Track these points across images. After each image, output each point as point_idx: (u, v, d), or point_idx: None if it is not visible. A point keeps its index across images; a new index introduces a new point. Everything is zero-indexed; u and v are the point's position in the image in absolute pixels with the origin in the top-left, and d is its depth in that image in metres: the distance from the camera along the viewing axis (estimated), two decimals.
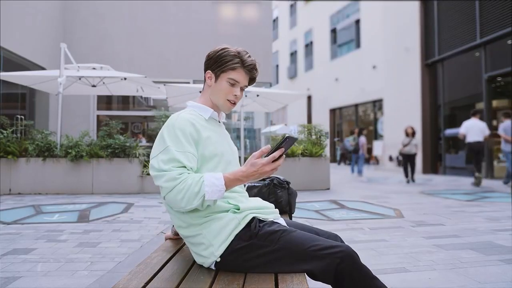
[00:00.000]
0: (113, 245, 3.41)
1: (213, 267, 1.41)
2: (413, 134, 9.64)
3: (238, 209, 1.44)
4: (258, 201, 1.61)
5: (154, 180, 1.39)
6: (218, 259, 1.38)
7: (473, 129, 8.61)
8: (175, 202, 1.32)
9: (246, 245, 1.38)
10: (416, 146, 9.71)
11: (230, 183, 1.36)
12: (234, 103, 1.56)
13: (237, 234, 1.39)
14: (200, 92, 1.65)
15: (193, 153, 1.40)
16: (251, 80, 1.57)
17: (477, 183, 8.53)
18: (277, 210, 1.62)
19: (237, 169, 1.39)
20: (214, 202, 1.36)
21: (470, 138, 8.62)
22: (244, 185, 1.90)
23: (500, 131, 8.58)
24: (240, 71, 1.51)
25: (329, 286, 1.40)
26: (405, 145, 9.62)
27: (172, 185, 1.31)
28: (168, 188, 1.31)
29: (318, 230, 1.61)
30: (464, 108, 12.32)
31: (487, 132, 8.70)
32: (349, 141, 13.80)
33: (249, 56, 1.53)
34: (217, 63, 1.51)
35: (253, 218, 1.44)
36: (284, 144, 1.36)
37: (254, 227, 1.40)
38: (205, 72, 1.57)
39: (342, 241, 1.55)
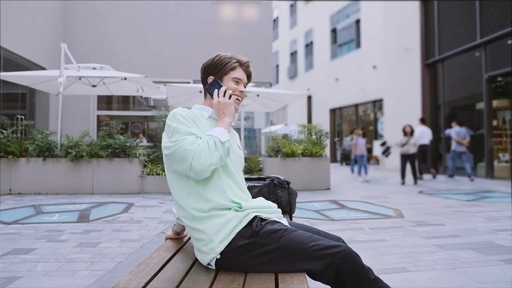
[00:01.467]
0: (113, 245, 3.41)
1: (213, 264, 1.42)
2: (411, 133, 9.33)
3: (241, 208, 1.45)
4: (261, 201, 1.62)
5: (172, 157, 1.41)
6: (218, 256, 1.39)
7: (423, 135, 10.43)
8: (206, 159, 1.37)
9: (247, 243, 1.39)
10: (415, 145, 9.34)
11: (223, 125, 1.51)
12: (240, 100, 1.67)
13: (238, 232, 1.40)
14: (200, 91, 1.72)
15: (199, 132, 1.46)
16: (248, 77, 1.71)
17: (434, 176, 10.58)
18: (279, 210, 1.63)
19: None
20: (228, 143, 1.47)
21: (421, 142, 10.33)
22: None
23: (453, 135, 10.29)
24: (239, 70, 1.65)
25: (329, 286, 1.40)
26: (403, 145, 9.22)
27: (195, 147, 1.37)
28: (193, 151, 1.36)
29: (321, 231, 1.61)
30: (465, 108, 12.32)
31: (431, 137, 10.72)
32: (347, 141, 13.82)
33: (242, 56, 1.69)
34: (217, 67, 1.63)
35: (255, 216, 1.45)
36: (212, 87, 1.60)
37: (256, 225, 1.41)
38: (205, 80, 1.66)
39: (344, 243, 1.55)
